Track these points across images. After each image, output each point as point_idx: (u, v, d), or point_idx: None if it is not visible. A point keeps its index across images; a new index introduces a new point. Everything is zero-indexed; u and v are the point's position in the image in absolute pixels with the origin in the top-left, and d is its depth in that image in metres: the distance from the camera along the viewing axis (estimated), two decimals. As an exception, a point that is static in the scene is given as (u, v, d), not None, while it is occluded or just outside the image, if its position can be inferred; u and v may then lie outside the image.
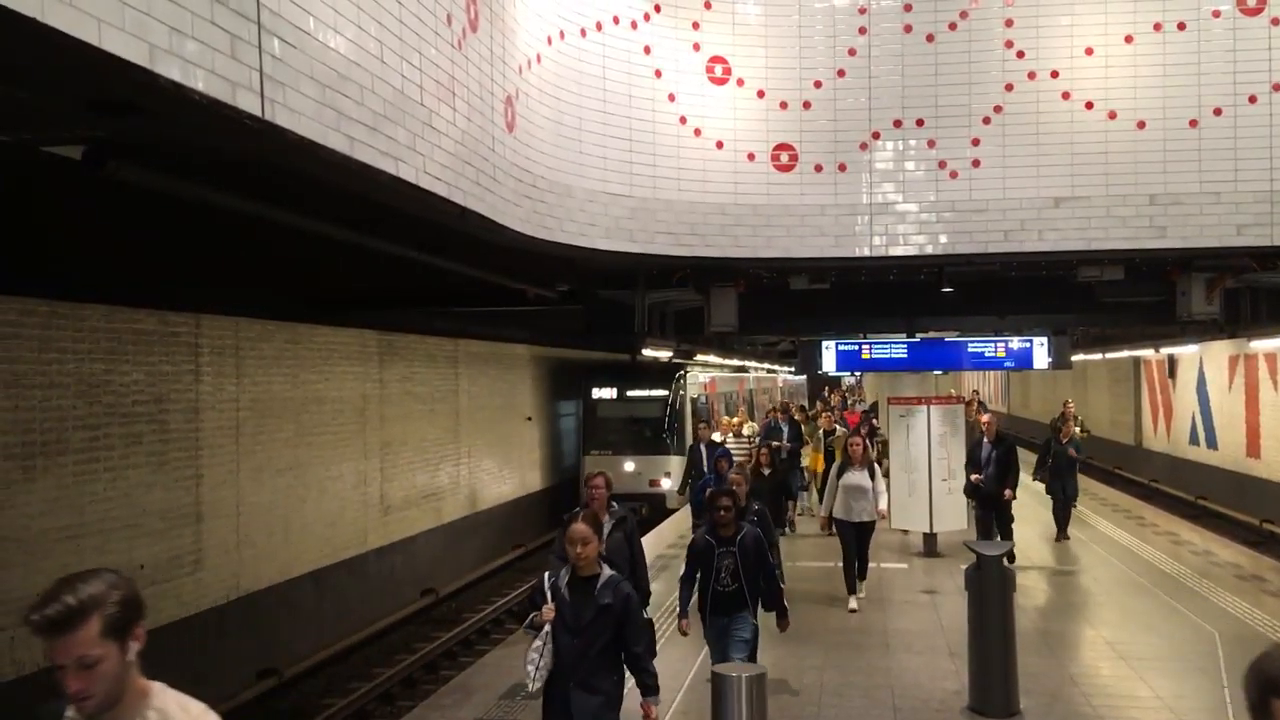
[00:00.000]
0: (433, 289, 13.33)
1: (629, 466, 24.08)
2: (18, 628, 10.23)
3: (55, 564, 10.70)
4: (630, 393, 25.31)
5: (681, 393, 25.35)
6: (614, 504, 7.88)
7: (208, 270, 11.23)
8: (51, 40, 3.22)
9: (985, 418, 15.06)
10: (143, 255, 10.03)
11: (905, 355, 13.10)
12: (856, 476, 11.84)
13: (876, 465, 12.27)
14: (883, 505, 12.09)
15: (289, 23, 4.57)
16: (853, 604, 11.73)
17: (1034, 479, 16.63)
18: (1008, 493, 13.80)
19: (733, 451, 17.10)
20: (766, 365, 39.83)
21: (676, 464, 23.30)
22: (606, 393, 25.38)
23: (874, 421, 23.74)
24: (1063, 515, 16.21)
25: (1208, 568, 14.01)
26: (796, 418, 20.71)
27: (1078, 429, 17.20)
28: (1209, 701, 8.55)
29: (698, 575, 7.67)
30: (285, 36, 4.54)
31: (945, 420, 14.94)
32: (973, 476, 14.09)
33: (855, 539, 11.96)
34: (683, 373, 25.64)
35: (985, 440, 14.33)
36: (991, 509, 14.01)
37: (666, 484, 23.68)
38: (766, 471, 13.38)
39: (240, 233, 8.21)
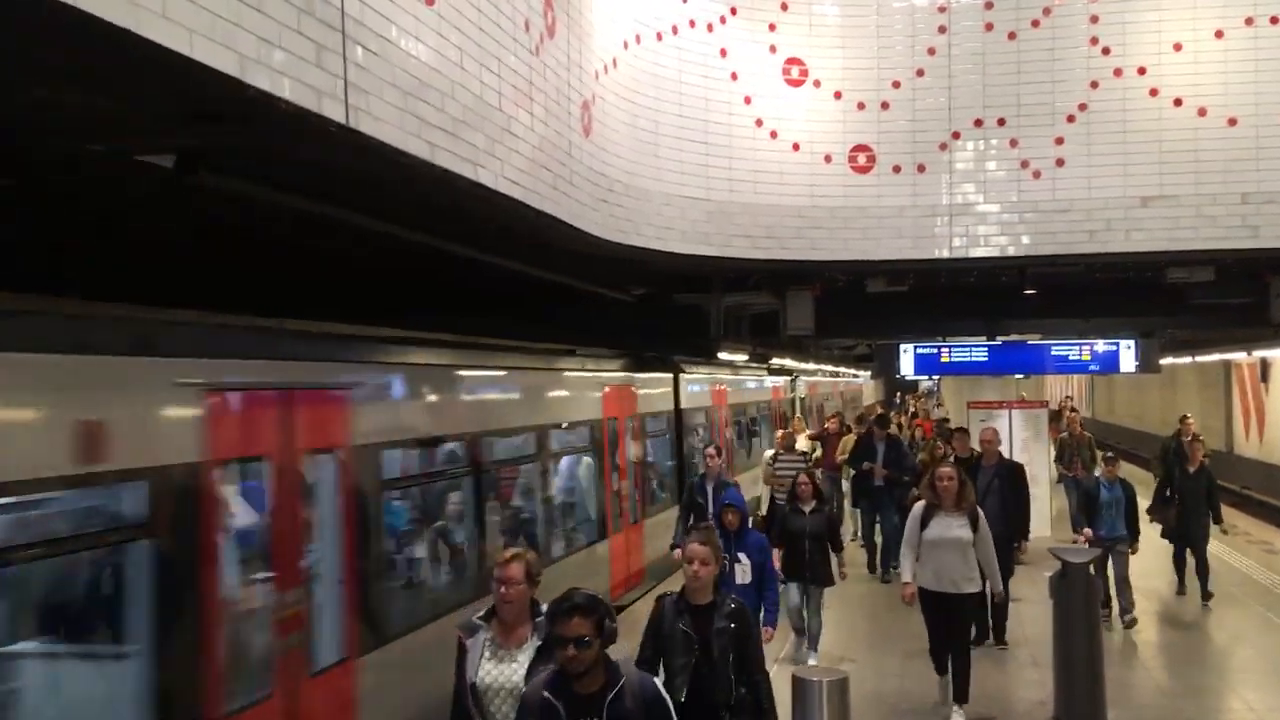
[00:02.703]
0: (508, 294, 13.42)
1: None
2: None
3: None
4: None
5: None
6: (541, 608, 4.44)
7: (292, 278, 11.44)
8: (145, 51, 3.31)
9: (986, 433, 10.94)
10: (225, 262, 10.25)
11: (986, 359, 12.86)
12: (949, 526, 7.95)
13: (980, 511, 8.15)
14: (995, 580, 8.17)
15: (372, 31, 4.65)
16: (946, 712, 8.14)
17: (1149, 518, 13.09)
18: (1022, 546, 10.15)
19: (782, 473, 12.59)
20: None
21: None
22: None
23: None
24: (1201, 567, 12.05)
25: (1304, 578, 13.55)
26: (902, 433, 15.35)
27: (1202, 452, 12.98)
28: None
29: None
30: (369, 45, 4.62)
31: (1028, 424, 14.67)
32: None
33: (945, 619, 8.02)
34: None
35: (983, 462, 10.34)
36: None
37: None
38: (807, 509, 9.35)
39: (314, 235, 8.33)
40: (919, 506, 8.16)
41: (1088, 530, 10.71)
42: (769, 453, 14.62)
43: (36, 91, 3.95)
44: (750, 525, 8.52)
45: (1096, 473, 12.05)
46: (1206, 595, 11.90)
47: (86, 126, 4.64)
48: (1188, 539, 12.11)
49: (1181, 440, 14.35)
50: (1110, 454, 11.68)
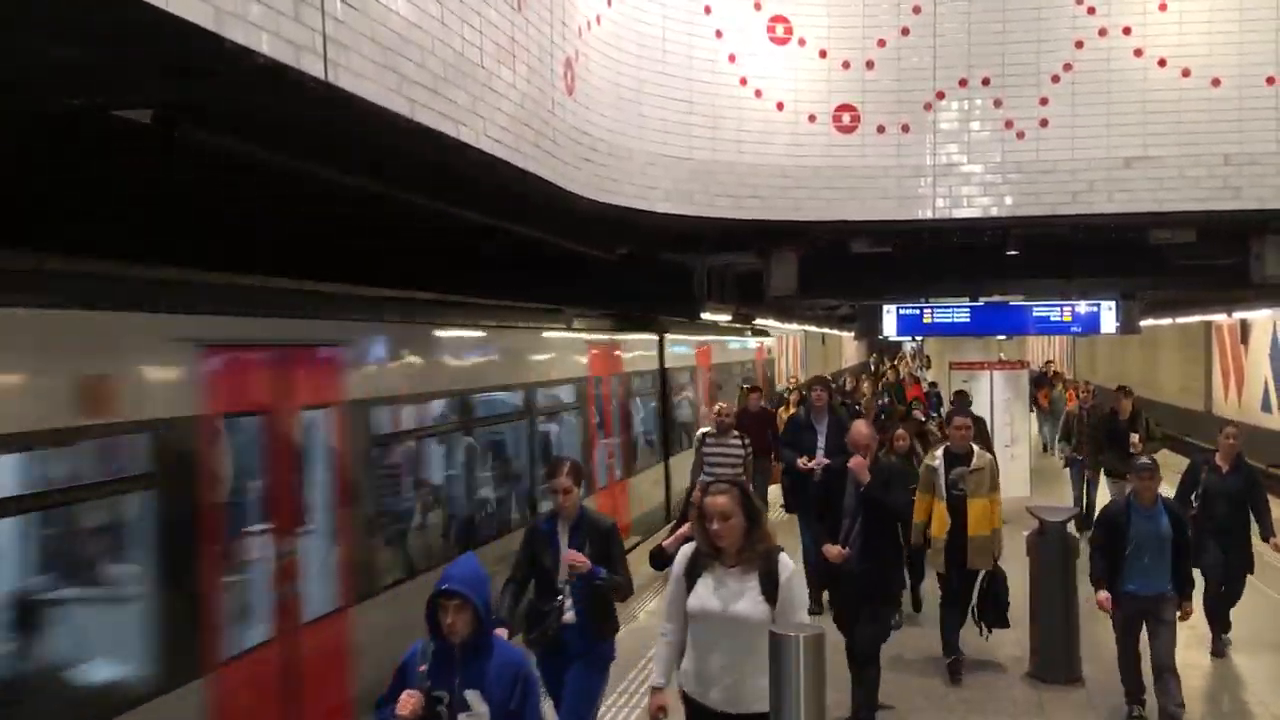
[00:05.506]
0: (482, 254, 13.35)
1: None
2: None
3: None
4: None
5: None
6: None
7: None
8: (121, 4, 3.28)
9: (857, 430, 7.20)
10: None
11: (968, 319, 12.92)
12: (727, 591, 4.59)
13: (784, 564, 4.62)
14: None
15: (351, -15, 4.60)
16: None
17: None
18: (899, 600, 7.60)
19: (712, 460, 10.65)
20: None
21: None
22: None
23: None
24: (1230, 595, 8.95)
25: (1278, 537, 13.65)
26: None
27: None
28: (1277, 674, 8.40)
29: None
30: (348, -1, 4.57)
31: (1008, 385, 14.77)
32: (829, 551, 6.97)
33: None
34: None
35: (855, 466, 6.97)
36: (866, 600, 6.93)
37: None
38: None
39: (300, 197, 8.28)
40: (685, 552, 4.78)
41: (1104, 594, 7.19)
42: (700, 431, 11.99)
43: (11, 43, 3.90)
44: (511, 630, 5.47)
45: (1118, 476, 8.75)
46: (1223, 638, 8.94)
47: (64, 81, 4.59)
48: (1225, 567, 8.73)
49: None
50: (1146, 460, 7.48)
